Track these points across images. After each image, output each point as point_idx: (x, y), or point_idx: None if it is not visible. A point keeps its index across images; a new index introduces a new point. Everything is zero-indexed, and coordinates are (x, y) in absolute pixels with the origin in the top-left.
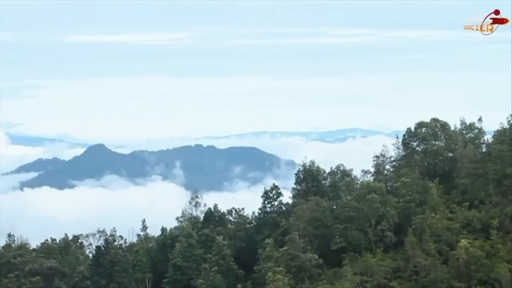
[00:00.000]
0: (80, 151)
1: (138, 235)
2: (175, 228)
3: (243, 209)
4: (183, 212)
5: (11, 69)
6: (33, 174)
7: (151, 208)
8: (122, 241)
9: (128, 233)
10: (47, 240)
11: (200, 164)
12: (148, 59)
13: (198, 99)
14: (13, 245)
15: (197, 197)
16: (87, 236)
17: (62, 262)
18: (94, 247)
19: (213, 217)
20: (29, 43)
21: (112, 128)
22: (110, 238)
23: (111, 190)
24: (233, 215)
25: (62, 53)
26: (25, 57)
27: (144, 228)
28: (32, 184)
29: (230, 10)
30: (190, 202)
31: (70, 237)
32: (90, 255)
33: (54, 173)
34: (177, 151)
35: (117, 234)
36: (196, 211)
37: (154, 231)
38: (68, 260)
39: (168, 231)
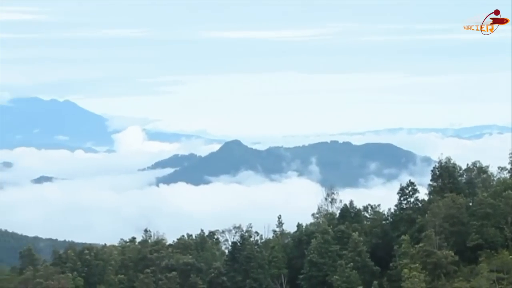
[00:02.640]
0: (216, 147)
1: (274, 231)
2: (311, 224)
3: (379, 205)
4: (318, 209)
5: (149, 65)
6: (169, 170)
7: (286, 204)
8: (258, 237)
9: (264, 229)
10: (183, 235)
11: (335, 161)
12: (284, 55)
13: (334, 96)
14: (149, 240)
15: (332, 193)
16: (223, 232)
17: (198, 258)
18: (230, 243)
19: (349, 214)
20: (167, 39)
21: (248, 124)
22: (246, 234)
23: (246, 186)
24: (369, 211)
25: (199, 49)
26: (163, 53)
27: (280, 224)
28: (168, 180)
29: (366, 6)
30: (325, 199)
31: (206, 233)
32: (226, 251)
33: (190, 169)
34: (312, 148)
35: (253, 230)
36: (331, 207)
37: (290, 227)
38: (204, 256)
39: (304, 227)
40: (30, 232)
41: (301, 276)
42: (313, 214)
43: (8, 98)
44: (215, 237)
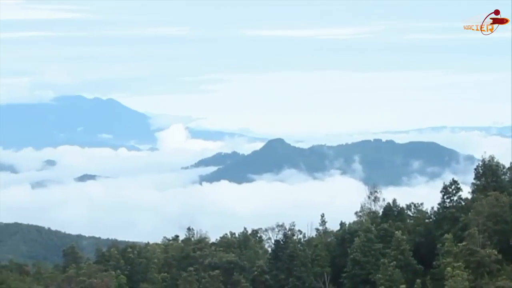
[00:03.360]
0: (259, 145)
1: (317, 229)
2: (354, 222)
3: (422, 204)
4: (362, 207)
5: (192, 63)
6: (212, 168)
7: (329, 203)
8: (301, 236)
9: (307, 228)
10: (226, 234)
11: (378, 159)
12: (328, 53)
13: (378, 94)
14: (192, 238)
15: (375, 191)
16: (266, 230)
17: (241, 256)
18: (273, 241)
19: (392, 212)
20: (210, 38)
21: (292, 122)
22: (289, 232)
23: (289, 185)
24: (412, 210)
25: (242, 47)
26: (206, 51)
27: (323, 222)
28: (211, 178)
29: (411, 4)
30: (368, 197)
31: (249, 231)
32: (269, 249)
33: (233, 167)
34: (356, 146)
35: (296, 228)
36: (374, 206)
37: (333, 226)
38: (247, 254)
39: (347, 225)
40: (73, 230)
41: (344, 275)
42: (356, 213)
43: (52, 96)
44: (258, 235)
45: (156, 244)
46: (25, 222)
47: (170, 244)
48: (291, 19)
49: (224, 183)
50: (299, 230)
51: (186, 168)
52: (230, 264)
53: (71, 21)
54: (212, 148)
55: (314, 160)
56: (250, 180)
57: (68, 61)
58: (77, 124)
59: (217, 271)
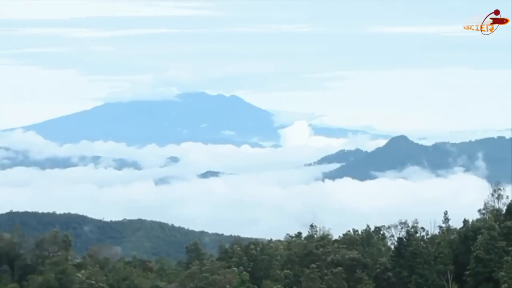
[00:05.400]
0: (382, 142)
1: (440, 227)
2: (477, 220)
3: None
4: (485, 204)
5: (314, 60)
6: (335, 165)
7: (453, 200)
8: (423, 233)
9: (430, 225)
10: (348, 231)
11: (502, 156)
12: (450, 50)
13: (501, 91)
14: (315, 235)
15: (499, 189)
16: (388, 227)
17: (364, 253)
18: (395, 239)
19: None
20: (332, 34)
21: (415, 119)
22: (412, 229)
23: (412, 182)
24: None
25: (366, 44)
26: (329, 48)
27: (446, 220)
28: (334, 175)
29: None
30: (492, 194)
31: (372, 229)
32: (392, 247)
33: (356, 164)
34: (479, 143)
35: (419, 225)
36: (498, 203)
37: (456, 223)
38: (369, 251)
39: (470, 223)
40: (196, 226)
41: (467, 272)
42: (479, 210)
43: (176, 93)
44: (381, 232)
45: (279, 241)
46: (148, 218)
47: (292, 241)
48: (415, 15)
49: (347, 180)
50: (422, 228)
51: (309, 165)
52: (352, 261)
53: (194, 18)
54: (335, 145)
55: (437, 157)
56: (373, 177)
57: (191, 58)
58: (200, 120)
59: (339, 268)
